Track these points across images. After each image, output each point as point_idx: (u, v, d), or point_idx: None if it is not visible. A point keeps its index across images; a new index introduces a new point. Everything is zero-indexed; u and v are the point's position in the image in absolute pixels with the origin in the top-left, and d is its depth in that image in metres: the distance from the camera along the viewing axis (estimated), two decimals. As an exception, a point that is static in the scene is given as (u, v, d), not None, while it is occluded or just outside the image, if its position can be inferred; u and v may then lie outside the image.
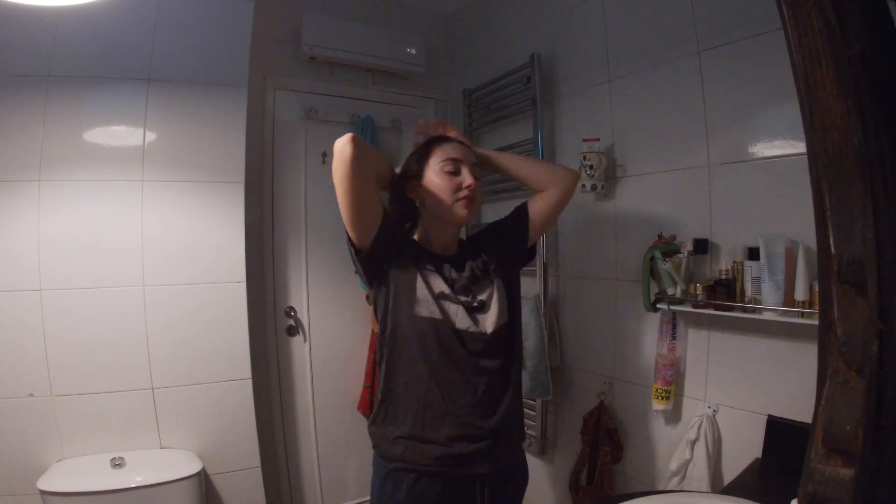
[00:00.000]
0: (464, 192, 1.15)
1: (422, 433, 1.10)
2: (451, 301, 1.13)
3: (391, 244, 1.14)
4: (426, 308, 1.11)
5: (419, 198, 1.19)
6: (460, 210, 1.15)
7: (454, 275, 1.18)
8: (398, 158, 2.32)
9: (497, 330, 1.15)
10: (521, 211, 1.28)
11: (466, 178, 1.16)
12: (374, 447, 1.17)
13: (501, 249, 1.25)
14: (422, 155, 1.19)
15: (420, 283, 1.13)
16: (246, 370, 1.82)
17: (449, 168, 1.15)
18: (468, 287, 1.17)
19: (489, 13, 2.34)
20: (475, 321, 1.14)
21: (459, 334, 1.12)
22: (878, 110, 0.42)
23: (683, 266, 1.41)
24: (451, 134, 1.25)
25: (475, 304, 1.16)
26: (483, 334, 1.14)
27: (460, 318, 1.13)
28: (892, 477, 0.43)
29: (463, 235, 1.32)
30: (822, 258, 0.45)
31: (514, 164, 1.31)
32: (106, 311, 1.64)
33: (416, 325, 1.11)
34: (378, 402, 1.17)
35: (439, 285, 1.14)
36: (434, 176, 1.16)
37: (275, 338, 2.18)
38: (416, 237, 1.24)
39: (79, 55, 1.62)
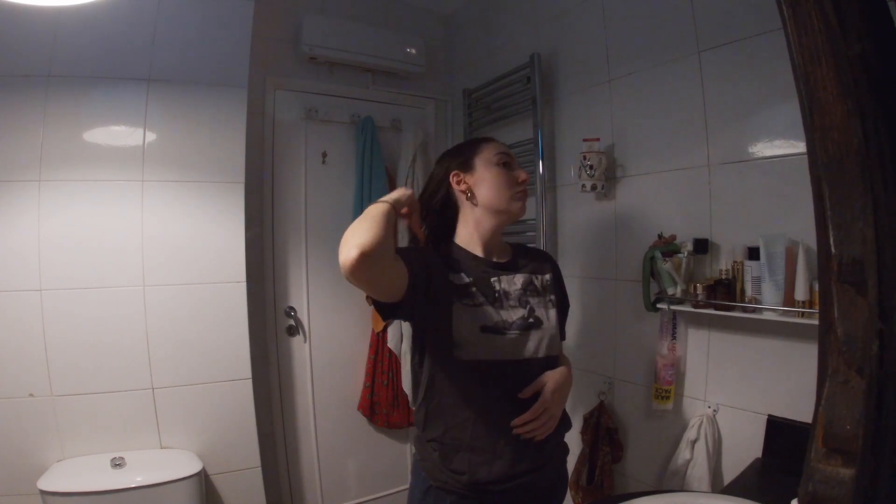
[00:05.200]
0: (520, 187, 1.16)
1: (471, 479, 1.03)
2: (501, 329, 1.05)
3: (424, 283, 1.01)
4: (468, 351, 1.03)
5: (468, 190, 1.15)
6: (516, 204, 1.15)
7: (505, 286, 1.11)
8: (398, 158, 2.33)
9: (550, 356, 1.11)
10: (565, 301, 1.27)
11: (521, 172, 1.17)
12: (420, 461, 1.11)
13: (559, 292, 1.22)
14: (471, 148, 1.19)
15: (457, 321, 1.03)
16: (246, 370, 1.82)
17: (504, 160, 1.16)
18: (524, 298, 1.11)
19: (489, 13, 2.34)
20: (527, 342, 1.07)
21: (508, 367, 1.05)
22: (878, 110, 0.42)
23: (683, 266, 1.41)
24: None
25: (531, 318, 1.09)
26: (533, 361, 1.07)
27: (508, 347, 1.05)
28: (893, 477, 0.43)
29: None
30: (822, 258, 0.45)
31: None
32: (106, 311, 1.64)
33: (458, 373, 1.04)
34: (418, 439, 1.12)
35: (484, 314, 1.05)
36: (488, 167, 1.15)
37: (275, 338, 2.18)
38: (456, 240, 1.17)
39: (79, 55, 1.62)
